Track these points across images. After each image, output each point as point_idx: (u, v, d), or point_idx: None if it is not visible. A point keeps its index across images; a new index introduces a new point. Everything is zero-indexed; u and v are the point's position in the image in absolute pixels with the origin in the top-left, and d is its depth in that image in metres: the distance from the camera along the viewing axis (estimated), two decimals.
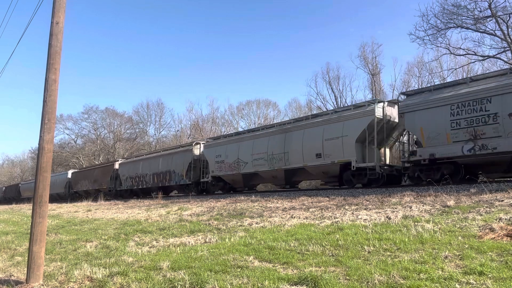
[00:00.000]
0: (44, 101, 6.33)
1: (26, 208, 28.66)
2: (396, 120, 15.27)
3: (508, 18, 23.29)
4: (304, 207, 10.87)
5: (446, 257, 4.75)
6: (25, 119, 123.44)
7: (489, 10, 23.40)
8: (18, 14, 74.24)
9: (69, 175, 41.14)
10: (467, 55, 27.48)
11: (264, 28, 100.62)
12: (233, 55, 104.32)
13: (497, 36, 24.43)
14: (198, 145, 23.94)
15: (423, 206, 8.48)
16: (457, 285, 3.85)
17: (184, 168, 23.52)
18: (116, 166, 32.77)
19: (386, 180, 14.81)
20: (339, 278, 4.47)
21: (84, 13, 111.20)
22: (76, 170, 43.86)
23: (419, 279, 4.11)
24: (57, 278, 6.01)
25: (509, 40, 23.40)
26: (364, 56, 40.22)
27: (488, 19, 24.15)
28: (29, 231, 6.18)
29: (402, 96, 15.30)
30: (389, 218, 7.64)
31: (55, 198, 41.61)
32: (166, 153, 27.13)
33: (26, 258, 6.27)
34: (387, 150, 15.83)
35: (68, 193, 39.97)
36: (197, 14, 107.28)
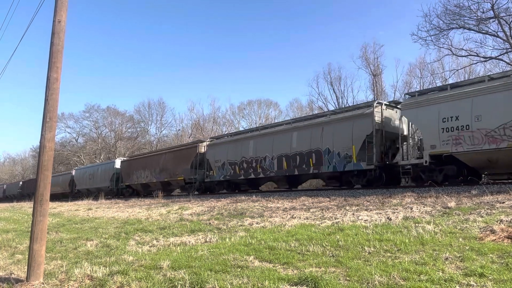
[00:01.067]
0: (46, 100, 6.33)
1: (27, 206, 28.73)
2: None
3: (511, 19, 23.24)
4: (305, 207, 10.86)
5: (446, 259, 4.74)
6: (26, 117, 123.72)
7: (491, 11, 23.35)
8: (20, 12, 74.56)
9: (117, 165, 32.89)
10: (469, 56, 27.43)
11: (266, 28, 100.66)
12: (234, 55, 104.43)
13: (500, 37, 24.37)
14: (380, 107, 15.26)
15: (424, 207, 8.47)
16: (457, 287, 3.85)
17: (356, 145, 15.10)
18: (202, 148, 23.87)
19: None
20: (339, 279, 4.47)
21: (86, 12, 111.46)
22: (128, 157, 36.02)
23: (419, 281, 4.10)
24: (58, 277, 6.01)
25: None
26: (365, 56, 40.19)
27: (491, 20, 24.10)
28: (30, 229, 6.18)
29: None
30: (390, 219, 7.63)
31: (93, 192, 33.76)
32: (307, 124, 17.86)
33: (27, 256, 6.27)
34: None
35: (114, 188, 32.61)
36: (198, 13, 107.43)
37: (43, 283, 5.73)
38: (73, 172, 40.92)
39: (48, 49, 6.45)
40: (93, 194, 33.81)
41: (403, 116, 14.75)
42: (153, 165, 27.75)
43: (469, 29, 25.17)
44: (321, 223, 8.20)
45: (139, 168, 29.54)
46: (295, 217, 9.41)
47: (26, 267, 6.15)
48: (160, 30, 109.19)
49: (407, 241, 5.76)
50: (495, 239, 5.39)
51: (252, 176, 19.95)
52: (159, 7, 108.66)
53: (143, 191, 29.33)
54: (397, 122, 15.42)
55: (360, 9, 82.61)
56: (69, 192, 39.77)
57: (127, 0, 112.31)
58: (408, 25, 75.00)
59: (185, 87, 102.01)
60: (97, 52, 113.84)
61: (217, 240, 7.86)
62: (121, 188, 32.46)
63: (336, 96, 41.74)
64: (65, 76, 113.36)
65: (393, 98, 34.65)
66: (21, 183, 56.13)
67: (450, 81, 29.16)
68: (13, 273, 6.73)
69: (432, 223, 6.69)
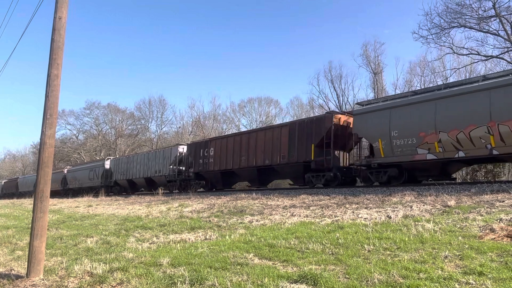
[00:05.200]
0: (46, 96, 6.34)
1: (27, 203, 28.75)
2: None
3: None
4: (305, 205, 10.87)
5: (446, 257, 4.74)
6: (27, 114, 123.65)
7: (493, 10, 23.29)
8: (21, 9, 74.36)
9: (181, 150, 23.93)
10: (470, 55, 27.35)
11: (267, 25, 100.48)
12: (235, 53, 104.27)
13: (501, 36, 24.31)
14: None
15: (423, 205, 8.47)
16: (456, 285, 3.85)
17: None
18: (337, 121, 16.37)
19: None
20: (338, 277, 4.47)
21: (86, 9, 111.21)
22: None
23: (418, 279, 4.11)
24: (58, 273, 6.03)
25: None
26: (366, 54, 40.16)
27: (492, 19, 24.04)
28: (30, 225, 6.19)
29: None
30: (390, 217, 7.64)
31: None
32: None
33: (27, 253, 6.29)
34: None
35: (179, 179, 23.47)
36: (199, 11, 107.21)
37: (43, 279, 5.74)
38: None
39: (49, 46, 6.45)
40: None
41: None
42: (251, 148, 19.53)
43: (470, 27, 25.11)
44: (321, 221, 8.21)
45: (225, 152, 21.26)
46: (295, 215, 9.42)
47: (26, 263, 6.17)
48: (160, 28, 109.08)
49: (406, 239, 5.76)
50: (494, 238, 5.39)
51: None
52: (160, 4, 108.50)
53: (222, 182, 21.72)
54: None
55: (361, 7, 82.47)
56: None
57: None
58: (408, 24, 74.90)
59: (185, 84, 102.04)
60: (98, 49, 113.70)
61: (217, 237, 7.87)
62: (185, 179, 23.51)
63: (337, 94, 41.76)
64: (66, 73, 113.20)
65: None
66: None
67: (451, 79, 29.11)
68: (13, 269, 6.74)
69: (431, 222, 6.69)
